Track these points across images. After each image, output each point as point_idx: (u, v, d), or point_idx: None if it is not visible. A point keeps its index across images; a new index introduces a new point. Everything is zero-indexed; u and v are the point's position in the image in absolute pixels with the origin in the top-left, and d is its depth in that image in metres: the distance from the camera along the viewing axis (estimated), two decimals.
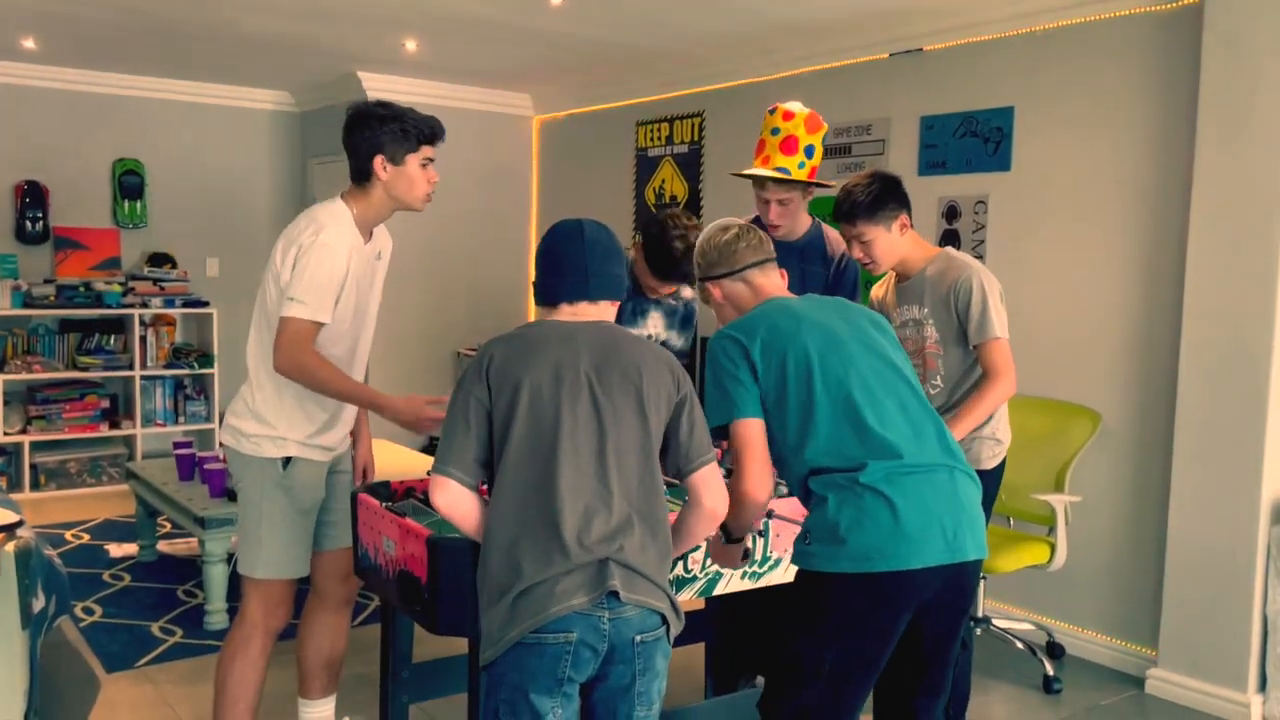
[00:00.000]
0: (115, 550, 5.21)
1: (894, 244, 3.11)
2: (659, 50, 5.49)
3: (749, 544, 2.51)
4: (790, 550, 2.41)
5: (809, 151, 3.37)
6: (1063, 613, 4.29)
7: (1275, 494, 3.61)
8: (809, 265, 3.49)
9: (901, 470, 2.18)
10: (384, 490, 2.76)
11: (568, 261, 2.17)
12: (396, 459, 4.94)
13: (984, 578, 3.99)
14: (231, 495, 4.25)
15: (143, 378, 6.63)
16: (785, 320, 2.33)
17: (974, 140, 4.56)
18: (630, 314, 3.47)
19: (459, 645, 2.59)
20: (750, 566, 2.63)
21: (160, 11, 4.90)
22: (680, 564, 2.52)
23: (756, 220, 3.45)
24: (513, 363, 2.08)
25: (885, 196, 3.06)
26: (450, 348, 7.00)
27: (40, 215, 6.46)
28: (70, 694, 2.66)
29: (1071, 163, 4.23)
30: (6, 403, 6.27)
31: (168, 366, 6.72)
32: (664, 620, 2.05)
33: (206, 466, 4.53)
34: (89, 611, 4.38)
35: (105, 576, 4.83)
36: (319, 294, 2.60)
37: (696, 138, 6.02)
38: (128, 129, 6.78)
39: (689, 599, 2.54)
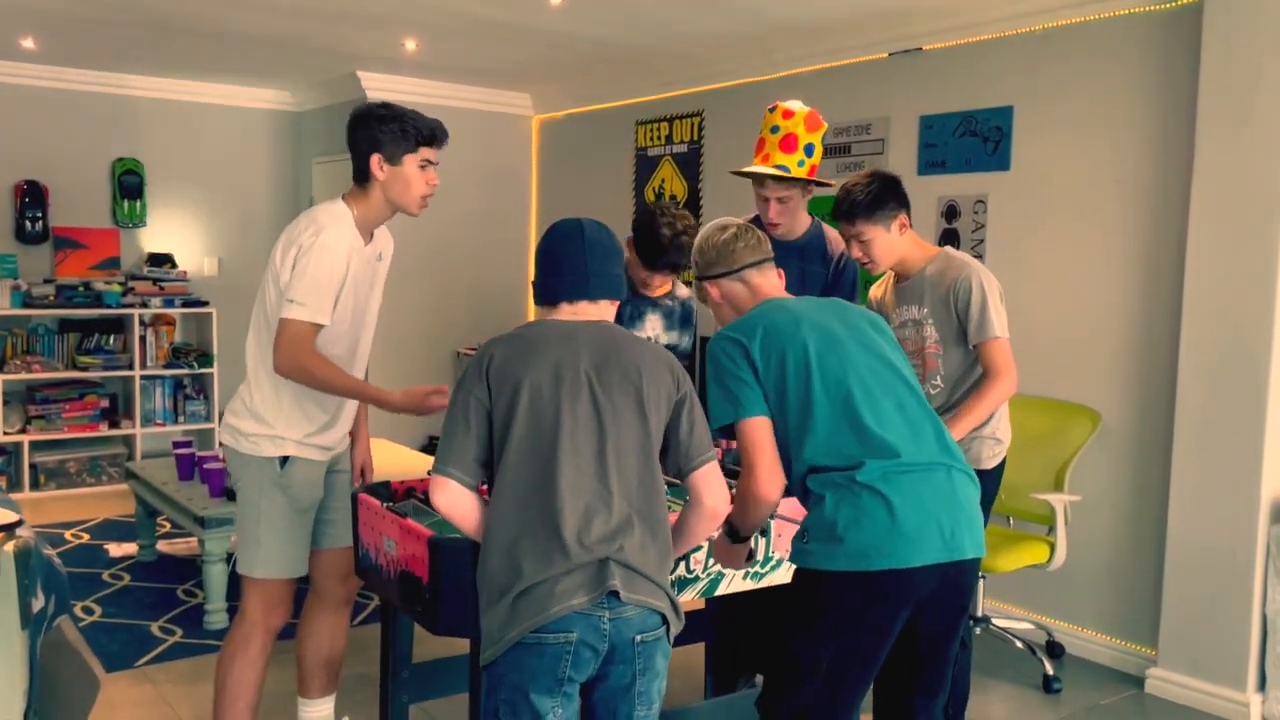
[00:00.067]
0: (115, 550, 5.21)
1: (893, 243, 3.11)
2: (659, 50, 5.49)
3: (752, 545, 2.51)
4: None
5: (809, 150, 3.37)
6: (1062, 612, 4.29)
7: (1275, 493, 3.62)
8: (808, 265, 3.49)
9: (899, 469, 2.18)
10: (385, 490, 2.76)
11: (568, 261, 2.17)
12: (396, 458, 4.94)
13: (983, 577, 3.99)
14: (231, 495, 4.25)
15: (142, 377, 6.63)
16: (784, 320, 2.33)
17: (973, 140, 4.56)
18: (628, 318, 3.47)
19: (459, 645, 2.59)
20: (752, 567, 2.63)
21: (160, 11, 4.90)
22: (682, 564, 2.52)
23: (756, 220, 3.46)
24: (513, 362, 2.08)
25: (885, 196, 3.06)
26: (450, 348, 7.00)
27: (40, 215, 6.46)
28: (70, 694, 2.66)
29: (1071, 162, 4.23)
30: (6, 402, 6.27)
31: (167, 366, 6.73)
32: (664, 620, 2.05)
33: (206, 466, 4.53)
34: (89, 611, 4.39)
35: (105, 576, 4.83)
36: (318, 295, 2.60)
37: (696, 137, 6.02)
38: (127, 129, 6.78)
39: (691, 599, 2.54)
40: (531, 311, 6.99)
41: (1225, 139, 3.62)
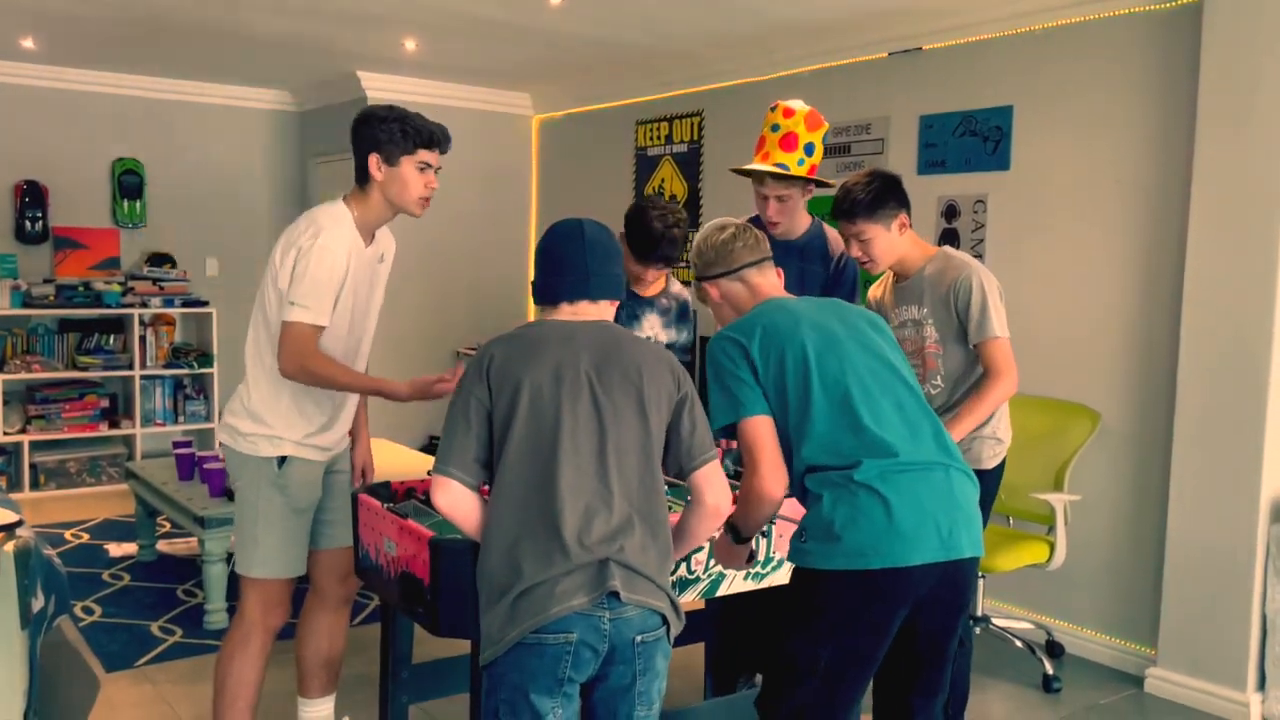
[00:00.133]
0: (115, 550, 5.21)
1: (893, 243, 3.11)
2: (659, 50, 5.48)
3: (753, 546, 2.51)
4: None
5: (809, 149, 3.37)
6: (1062, 612, 4.29)
7: (1275, 493, 3.62)
8: (808, 264, 3.48)
9: (896, 468, 2.18)
10: (385, 491, 2.76)
11: (568, 261, 2.17)
12: (396, 459, 4.94)
13: (983, 576, 3.99)
14: (231, 495, 4.24)
15: (142, 377, 6.63)
16: (783, 320, 2.33)
17: (973, 139, 4.56)
18: (625, 319, 3.46)
19: (459, 645, 2.59)
20: (753, 567, 2.63)
21: (160, 11, 4.90)
22: (684, 565, 2.52)
23: (755, 220, 3.45)
24: (513, 363, 2.08)
25: (885, 195, 3.06)
26: (450, 348, 7.00)
27: (40, 215, 6.46)
28: (70, 694, 2.66)
29: (1071, 162, 4.23)
30: (6, 402, 6.27)
31: (167, 366, 6.73)
32: (664, 620, 2.05)
33: (206, 466, 4.53)
34: (88, 611, 4.39)
35: (105, 576, 4.83)
36: (319, 297, 2.60)
37: (696, 137, 6.02)
38: (127, 129, 6.78)
39: (692, 600, 2.54)
40: (531, 311, 6.99)
41: (1225, 139, 3.62)
